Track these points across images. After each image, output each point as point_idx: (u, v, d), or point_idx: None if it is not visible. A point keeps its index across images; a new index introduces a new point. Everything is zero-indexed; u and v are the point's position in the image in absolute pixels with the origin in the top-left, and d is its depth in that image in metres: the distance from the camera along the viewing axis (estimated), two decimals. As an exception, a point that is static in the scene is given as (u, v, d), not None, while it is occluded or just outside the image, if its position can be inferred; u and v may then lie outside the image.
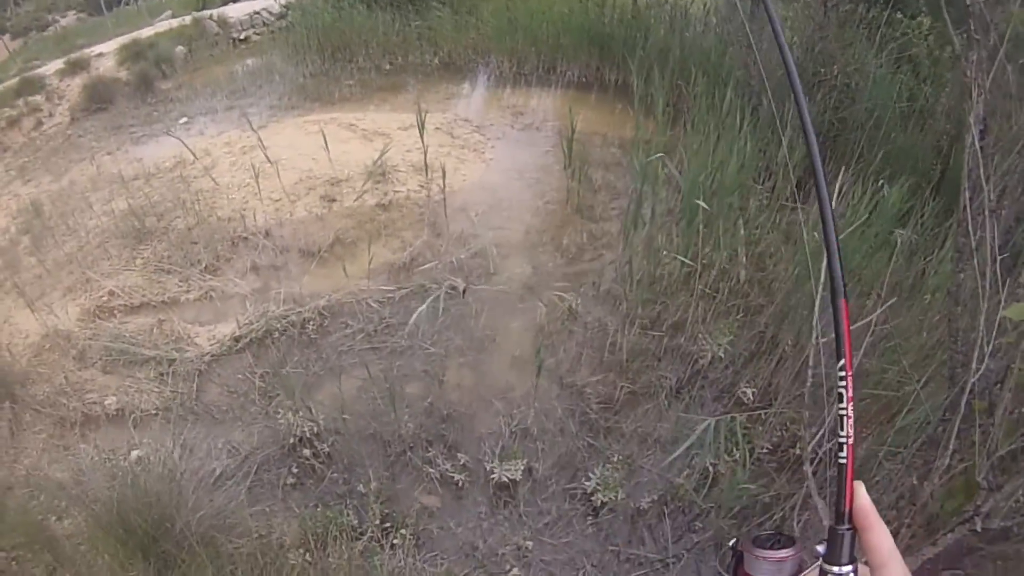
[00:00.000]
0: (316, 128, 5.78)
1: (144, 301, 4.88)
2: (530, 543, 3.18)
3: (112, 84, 8.66)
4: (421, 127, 4.45)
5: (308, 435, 3.59)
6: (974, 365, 1.90)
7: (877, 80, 4.90)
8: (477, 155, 5.61)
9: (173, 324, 4.59)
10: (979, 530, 1.96)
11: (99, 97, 8.31)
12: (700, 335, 3.69)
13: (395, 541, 3.22)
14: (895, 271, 3.36)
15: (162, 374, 4.29)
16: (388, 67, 7.83)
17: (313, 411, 3.59)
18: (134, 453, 3.83)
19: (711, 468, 3.34)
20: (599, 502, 3.29)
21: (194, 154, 5.84)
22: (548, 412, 3.57)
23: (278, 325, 4.22)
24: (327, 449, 3.53)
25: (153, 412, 4.12)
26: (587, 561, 3.19)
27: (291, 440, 3.59)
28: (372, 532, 3.23)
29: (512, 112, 6.76)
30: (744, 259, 3.71)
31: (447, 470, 3.36)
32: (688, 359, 3.73)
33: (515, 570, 3.14)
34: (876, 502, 0.68)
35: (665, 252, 3.81)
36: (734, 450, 3.30)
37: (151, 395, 4.20)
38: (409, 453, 3.42)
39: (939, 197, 3.80)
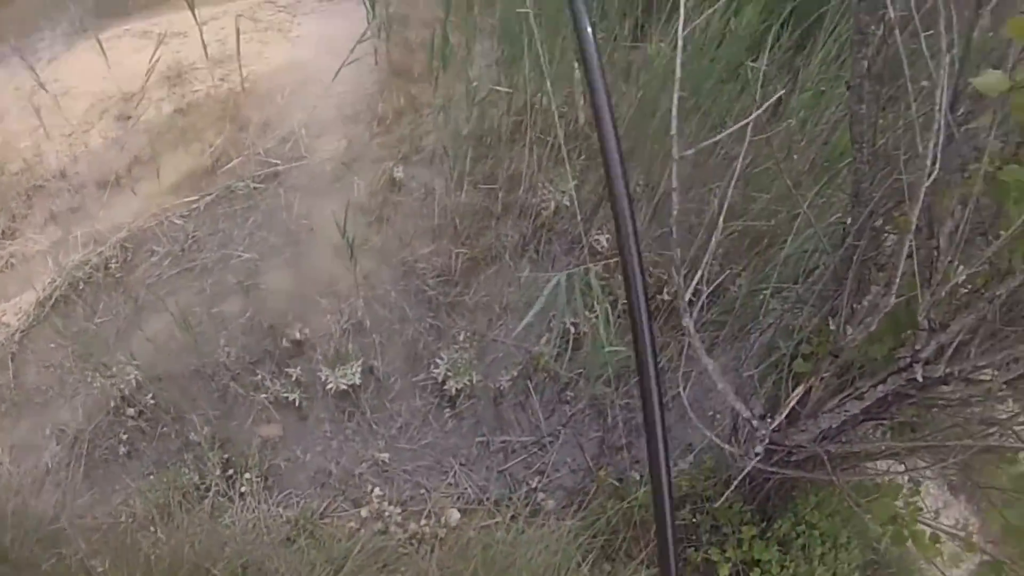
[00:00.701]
0: (109, 46, 4.81)
1: (-59, 296, 4.22)
2: (386, 455, 2.80)
3: None
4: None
5: (128, 393, 3.08)
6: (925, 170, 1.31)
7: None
8: (282, 35, 4.75)
9: (-26, 306, 3.95)
10: (920, 380, 1.67)
11: None
12: (540, 185, 3.05)
13: (242, 489, 2.82)
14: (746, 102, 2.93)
15: (-23, 366, 3.73)
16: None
17: (128, 363, 3.06)
18: (-38, 473, 3.42)
19: (572, 330, 2.85)
20: (453, 390, 2.86)
21: None
22: (380, 299, 3.04)
23: (80, 274, 3.59)
24: (151, 402, 3.04)
25: (-23, 419, 3.61)
26: (454, 460, 2.81)
27: (112, 403, 3.10)
28: (216, 485, 2.83)
29: (322, -15, 5.81)
30: (581, 100, 2.97)
31: (279, 391, 2.89)
32: (529, 213, 3.12)
33: (376, 489, 2.76)
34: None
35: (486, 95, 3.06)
36: (594, 305, 2.78)
37: (-29, 400, 3.67)
38: (234, 383, 2.92)
39: (792, 26, 3.10)
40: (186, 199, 3.69)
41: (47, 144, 4.57)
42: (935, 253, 1.59)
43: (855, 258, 1.90)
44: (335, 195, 3.33)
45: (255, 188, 3.55)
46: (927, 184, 1.34)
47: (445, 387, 2.85)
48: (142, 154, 4.14)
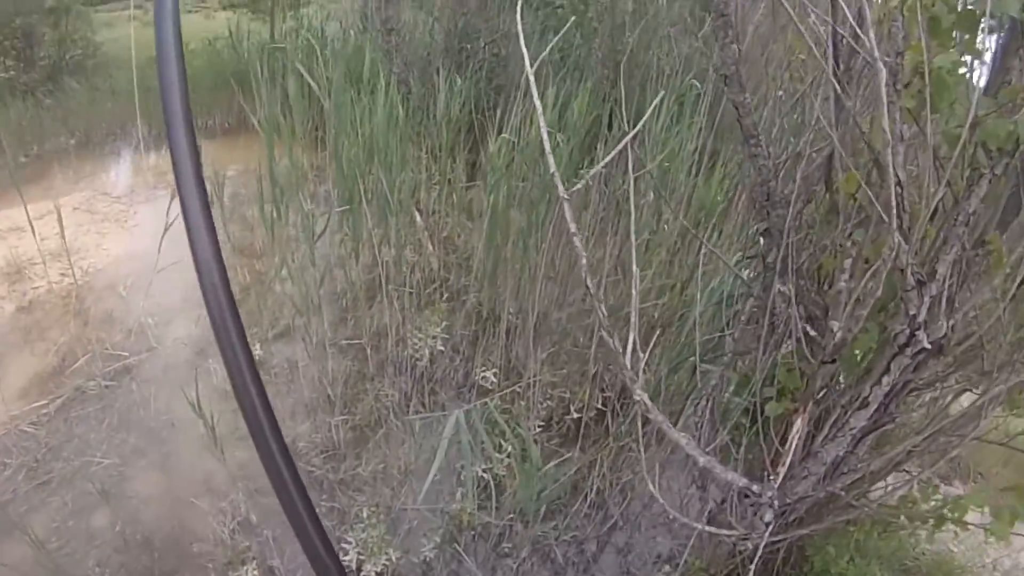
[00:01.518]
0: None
1: None
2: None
3: None
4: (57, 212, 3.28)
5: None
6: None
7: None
8: (119, 225, 4.78)
9: None
10: (928, 346, 1.54)
11: None
12: (409, 335, 2.88)
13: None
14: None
15: None
16: (24, 159, 6.48)
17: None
18: None
19: (487, 477, 2.65)
20: (372, 575, 2.56)
21: None
22: (264, 490, 2.73)
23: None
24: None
25: None
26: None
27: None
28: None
29: (155, 174, 5.96)
30: (431, 247, 2.86)
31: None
32: (404, 366, 2.93)
33: None
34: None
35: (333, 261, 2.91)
36: (501, 444, 2.62)
37: None
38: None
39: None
40: (35, 404, 3.32)
41: None
42: (898, 198, 1.44)
43: (789, 265, 1.83)
44: (193, 384, 3.06)
45: (106, 386, 3.24)
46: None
47: (362, 574, 2.59)
48: (-16, 367, 3.73)
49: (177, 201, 0.65)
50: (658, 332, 2.86)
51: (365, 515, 2.61)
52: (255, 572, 2.57)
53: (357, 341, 2.91)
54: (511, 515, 2.73)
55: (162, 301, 3.50)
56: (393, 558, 2.58)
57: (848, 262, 1.74)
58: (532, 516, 2.70)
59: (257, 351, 3.02)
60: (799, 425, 1.84)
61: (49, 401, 3.29)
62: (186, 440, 2.93)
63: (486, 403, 2.47)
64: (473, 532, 2.73)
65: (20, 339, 3.65)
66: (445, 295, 2.92)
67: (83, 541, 2.87)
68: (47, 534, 2.89)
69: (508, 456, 2.74)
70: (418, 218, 2.78)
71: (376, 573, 2.57)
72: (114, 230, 4.44)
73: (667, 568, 2.74)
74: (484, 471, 2.71)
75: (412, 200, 2.71)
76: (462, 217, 3.04)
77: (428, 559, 2.67)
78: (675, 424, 2.86)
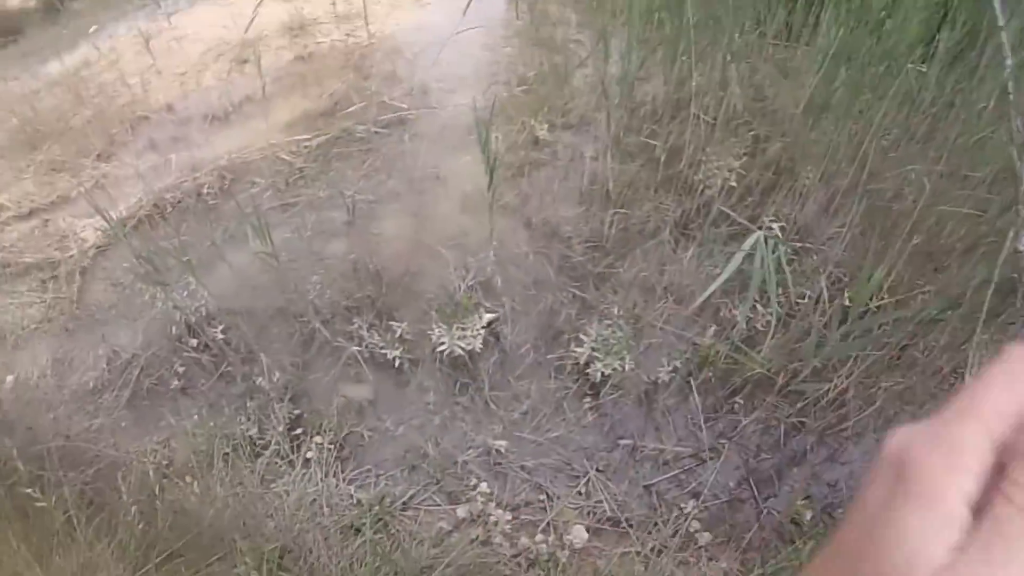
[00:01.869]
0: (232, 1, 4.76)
1: (34, 207, 4.00)
2: (502, 443, 2.20)
3: (18, 15, 7.71)
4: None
5: (194, 322, 2.61)
6: None
7: None
8: (414, 1, 4.56)
9: (59, 223, 3.67)
10: None
11: (5, 31, 7.36)
12: (703, 161, 2.56)
13: (308, 454, 2.26)
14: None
15: (43, 281, 3.40)
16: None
17: (203, 290, 2.60)
18: (8, 378, 3.01)
19: (745, 323, 2.26)
20: (598, 375, 2.25)
21: (98, 49, 4.87)
22: (515, 259, 2.51)
23: (169, 197, 3.22)
24: (219, 336, 2.54)
25: (34, 327, 3.23)
26: (589, 464, 2.17)
27: (175, 331, 2.63)
28: (277, 443, 2.27)
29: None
30: (738, 88, 2.53)
31: (378, 346, 2.35)
32: (691, 189, 2.60)
33: (483, 485, 2.15)
34: None
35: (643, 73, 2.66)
36: (768, 299, 2.21)
37: (32, 308, 3.32)
38: (323, 328, 2.40)
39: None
40: (298, 137, 3.33)
41: (158, 80, 4.39)
42: None
43: None
44: (469, 147, 2.90)
45: (376, 132, 3.16)
46: None
47: (588, 371, 2.26)
48: (255, 94, 3.85)
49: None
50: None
51: (617, 312, 2.28)
52: (480, 329, 2.32)
53: (651, 142, 2.62)
54: (756, 372, 2.30)
55: (451, 70, 3.39)
56: (625, 367, 2.23)
57: None
58: (768, 382, 2.27)
59: (543, 131, 2.82)
60: None
61: (313, 136, 3.28)
62: (447, 195, 2.76)
63: (777, 245, 2.07)
64: (711, 374, 2.32)
65: (294, 82, 3.70)
66: (748, 139, 2.57)
67: (311, 261, 2.78)
68: (279, 247, 2.83)
69: (801, 299, 2.32)
70: (729, 58, 2.46)
71: (602, 375, 2.24)
72: (407, 4, 4.40)
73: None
74: (743, 317, 2.30)
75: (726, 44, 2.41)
76: (774, 73, 2.70)
77: (658, 381, 2.29)
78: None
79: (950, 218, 2.32)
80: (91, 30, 6.78)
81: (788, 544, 2.10)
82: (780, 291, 2.36)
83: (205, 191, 3.20)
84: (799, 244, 2.50)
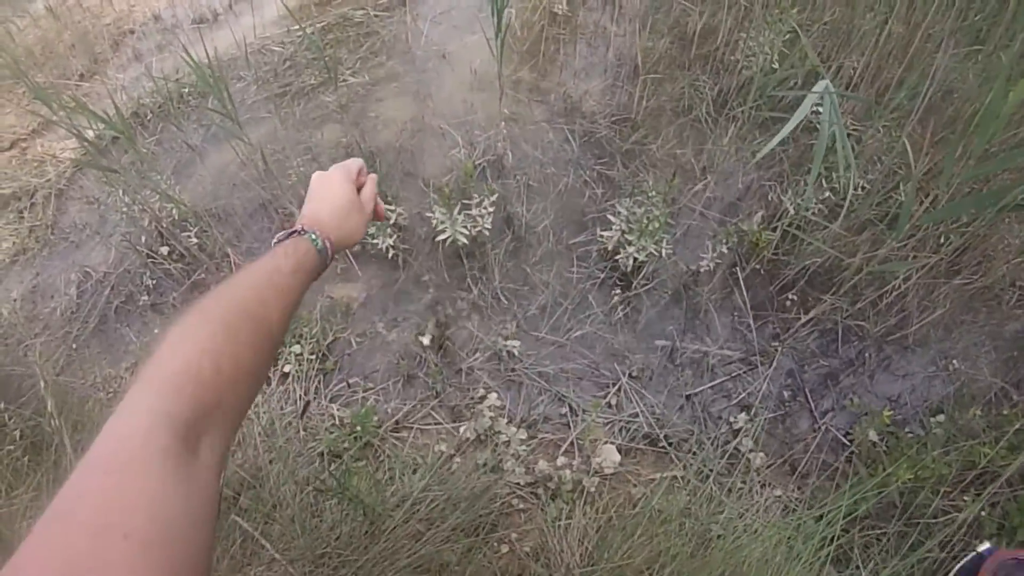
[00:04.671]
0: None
1: (15, 138, 3.74)
2: (515, 344, 1.76)
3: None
4: None
5: (165, 227, 2.27)
6: None
7: None
8: None
9: (36, 149, 3.39)
10: None
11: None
12: (741, 42, 2.06)
13: (286, 368, 1.90)
14: None
15: (20, 211, 3.13)
16: None
17: (169, 191, 2.26)
18: (-19, 312, 2.74)
19: (793, 211, 1.78)
20: (629, 263, 1.80)
21: None
22: (530, 136, 2.07)
23: (149, 103, 2.88)
24: (192, 241, 2.19)
25: (10, 260, 2.97)
26: (620, 368, 1.74)
27: (145, 240, 2.29)
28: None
29: None
30: None
31: (366, 237, 1.94)
32: (729, 68, 2.11)
33: (492, 396, 1.74)
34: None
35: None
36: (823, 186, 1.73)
37: (7, 241, 3.05)
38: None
39: None
40: (290, 28, 2.94)
41: None
42: None
43: None
44: (476, 26, 2.46)
45: (376, 16, 2.73)
46: None
47: (617, 257, 1.82)
48: (248, -9, 3.48)
49: None
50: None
51: (650, 188, 1.82)
52: (488, 210, 1.89)
53: (682, 20, 2.14)
54: (810, 263, 1.84)
55: None
56: (662, 252, 1.78)
57: None
58: (826, 278, 1.80)
59: (562, 6, 2.36)
60: None
61: (307, 24, 2.89)
62: (454, 72, 2.33)
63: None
64: (759, 266, 1.86)
65: (289, -25, 3.30)
66: (791, 23, 2.07)
67: (301, 152, 2.40)
68: (263, 139, 2.47)
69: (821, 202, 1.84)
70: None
71: (634, 262, 1.79)
72: None
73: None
74: (793, 206, 1.83)
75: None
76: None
77: (699, 272, 1.84)
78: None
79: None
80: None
81: (852, 470, 1.65)
82: (835, 172, 1.89)
83: (186, 93, 2.84)
84: (857, 124, 2.02)
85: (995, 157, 1.66)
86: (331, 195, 0.75)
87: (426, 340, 1.82)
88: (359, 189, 0.78)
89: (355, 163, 0.79)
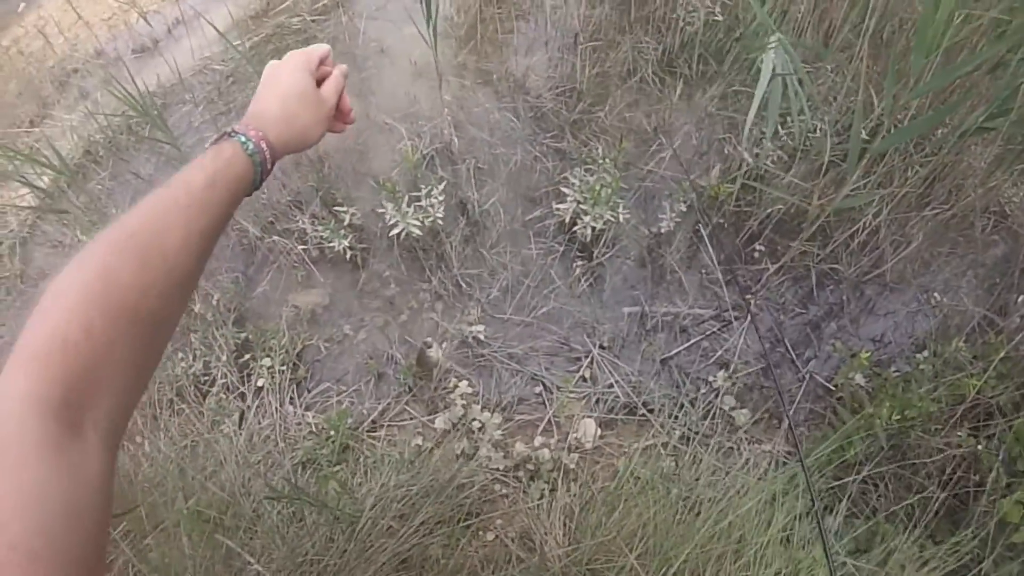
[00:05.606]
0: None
1: (-33, 197, 3.71)
2: (480, 329, 1.74)
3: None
4: None
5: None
6: None
7: None
8: None
9: (-8, 202, 3.38)
10: None
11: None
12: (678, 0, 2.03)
13: (260, 382, 1.86)
14: None
15: (-13, 265, 3.11)
16: None
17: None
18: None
19: (750, 162, 1.76)
20: (587, 233, 1.77)
21: (25, 28, 4.54)
22: (476, 120, 2.04)
23: (100, 138, 2.86)
24: (153, 270, 2.14)
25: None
26: (590, 341, 1.72)
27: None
28: (224, 377, 1.88)
29: None
30: None
31: (325, 239, 1.91)
32: (671, 26, 2.08)
33: (463, 384, 1.71)
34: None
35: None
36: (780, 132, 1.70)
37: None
38: (265, 233, 1.99)
39: None
40: (227, 46, 2.92)
41: (86, 32, 4.07)
42: None
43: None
44: (413, 15, 2.43)
45: (313, 20, 2.71)
46: None
47: (575, 229, 1.79)
48: (185, 15, 3.46)
49: None
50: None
51: (600, 155, 1.78)
52: (441, 197, 1.86)
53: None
54: (774, 210, 1.81)
55: None
56: (620, 218, 1.75)
57: None
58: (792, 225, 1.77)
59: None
60: None
61: (246, 38, 2.86)
62: (394, 66, 2.30)
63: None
64: (723, 219, 1.84)
65: (221, -3, 3.28)
66: None
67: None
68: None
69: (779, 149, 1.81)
70: None
71: (592, 231, 1.76)
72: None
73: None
74: (749, 155, 1.80)
75: None
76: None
77: (661, 232, 1.81)
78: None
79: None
80: (19, 8, 6.52)
81: (852, 412, 1.62)
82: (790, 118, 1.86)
83: (134, 124, 2.82)
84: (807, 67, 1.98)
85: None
86: (281, 86, 0.61)
87: (394, 346, 1.79)
88: (321, 81, 0.65)
89: (317, 49, 0.66)
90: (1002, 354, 1.60)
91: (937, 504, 1.45)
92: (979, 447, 1.54)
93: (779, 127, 1.90)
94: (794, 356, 1.76)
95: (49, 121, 3.51)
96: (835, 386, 1.71)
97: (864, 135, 1.75)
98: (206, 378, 1.95)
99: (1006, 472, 1.48)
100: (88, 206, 2.73)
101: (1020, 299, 1.84)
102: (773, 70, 1.49)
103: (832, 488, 1.55)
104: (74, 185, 2.84)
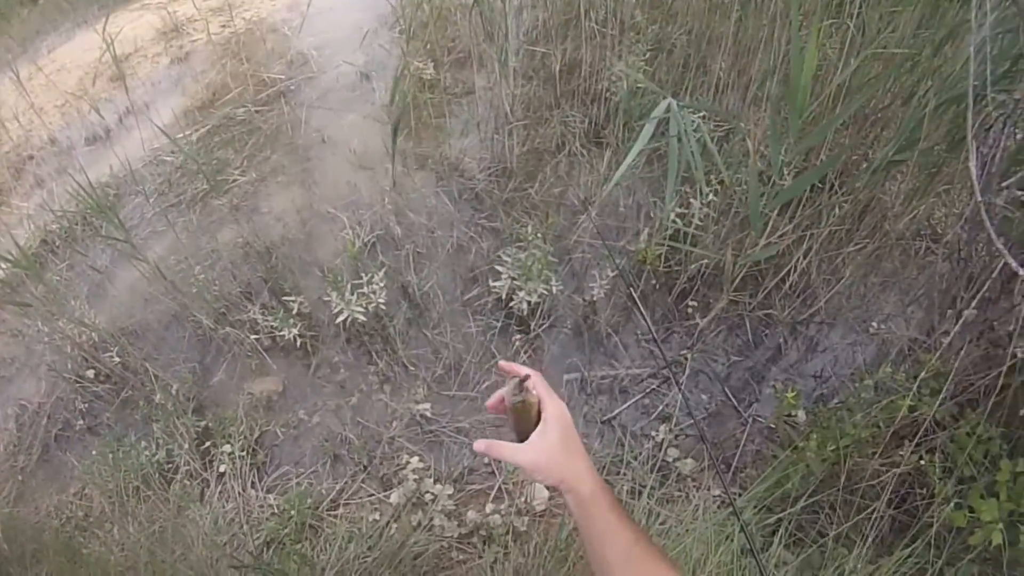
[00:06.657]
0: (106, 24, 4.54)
1: (-71, 284, 3.73)
2: (427, 407, 1.86)
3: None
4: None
5: (88, 352, 2.32)
6: None
7: None
8: None
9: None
10: None
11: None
12: (604, 71, 2.23)
13: (221, 468, 1.96)
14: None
15: (-53, 359, 3.12)
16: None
17: (84, 319, 2.32)
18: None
19: (677, 223, 1.93)
20: (524, 307, 1.93)
21: None
22: (414, 204, 2.19)
23: (56, 228, 2.94)
24: (115, 360, 2.25)
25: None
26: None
27: (71, 366, 2.35)
28: (187, 464, 1.97)
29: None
30: None
31: (276, 329, 2.03)
32: (596, 97, 2.28)
33: (415, 460, 1.83)
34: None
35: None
36: (704, 190, 1.88)
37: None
38: (217, 324, 2.10)
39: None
40: (178, 136, 3.03)
41: (38, 119, 4.15)
42: None
43: None
44: (355, 104, 2.60)
45: (257, 111, 2.85)
46: None
47: (511, 304, 1.94)
48: (135, 105, 3.57)
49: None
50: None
51: (530, 232, 1.94)
52: (382, 283, 1.99)
53: (547, 61, 2.30)
54: (700, 262, 1.98)
55: (329, 36, 3.08)
56: (553, 290, 1.91)
57: None
58: (726, 278, 1.94)
59: (429, 72, 2.50)
60: None
61: (193, 130, 2.98)
62: (336, 156, 2.45)
63: (698, 125, 1.73)
64: (654, 280, 2.00)
65: (172, 85, 3.42)
66: (650, 44, 2.23)
67: (202, 257, 2.49)
68: (168, 251, 2.55)
69: (706, 205, 1.98)
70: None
71: (528, 304, 1.91)
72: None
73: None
74: (674, 216, 1.97)
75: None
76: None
77: (594, 300, 1.97)
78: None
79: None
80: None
81: (787, 448, 1.78)
82: (714, 176, 2.04)
83: (89, 215, 2.91)
84: (725, 127, 2.18)
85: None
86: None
87: (347, 428, 1.91)
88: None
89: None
90: (924, 371, 1.63)
91: (885, 521, 1.55)
92: (921, 461, 1.62)
93: (704, 185, 2.06)
94: (735, 402, 1.91)
95: (6, 208, 3.57)
96: (771, 426, 1.85)
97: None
98: (169, 465, 2.04)
99: (954, 480, 1.57)
100: (46, 297, 2.79)
101: (948, 313, 1.90)
102: (653, 135, 1.63)
103: (774, 521, 1.67)
104: (32, 275, 2.90)
